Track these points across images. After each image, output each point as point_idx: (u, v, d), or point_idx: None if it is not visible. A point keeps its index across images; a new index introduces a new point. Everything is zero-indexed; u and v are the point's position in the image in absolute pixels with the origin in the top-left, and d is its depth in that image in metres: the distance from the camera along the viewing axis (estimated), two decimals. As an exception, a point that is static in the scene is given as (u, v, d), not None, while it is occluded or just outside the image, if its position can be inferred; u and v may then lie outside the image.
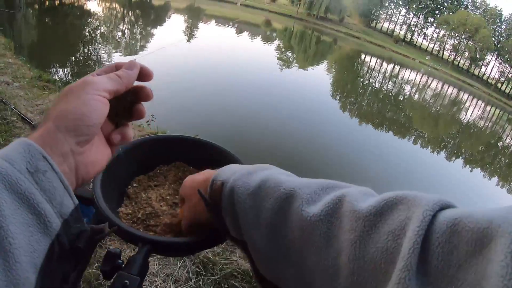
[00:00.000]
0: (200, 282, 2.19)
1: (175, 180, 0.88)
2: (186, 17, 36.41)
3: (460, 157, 14.09)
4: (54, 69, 8.72)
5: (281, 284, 0.49)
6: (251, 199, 0.50)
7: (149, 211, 0.77)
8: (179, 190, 0.67)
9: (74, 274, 0.45)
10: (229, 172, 0.57)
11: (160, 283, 2.13)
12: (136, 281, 0.52)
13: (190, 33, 24.29)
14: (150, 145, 0.90)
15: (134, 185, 0.85)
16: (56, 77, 7.52)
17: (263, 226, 0.48)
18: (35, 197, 0.39)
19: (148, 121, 5.34)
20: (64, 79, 8.12)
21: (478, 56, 74.52)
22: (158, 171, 0.91)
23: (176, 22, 29.78)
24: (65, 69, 9.19)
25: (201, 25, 33.46)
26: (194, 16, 39.64)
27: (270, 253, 0.48)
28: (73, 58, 10.78)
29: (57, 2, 21.23)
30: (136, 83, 0.56)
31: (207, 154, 0.89)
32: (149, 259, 0.62)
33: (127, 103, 0.57)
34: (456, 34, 76.03)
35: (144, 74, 0.56)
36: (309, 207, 0.45)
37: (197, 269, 2.26)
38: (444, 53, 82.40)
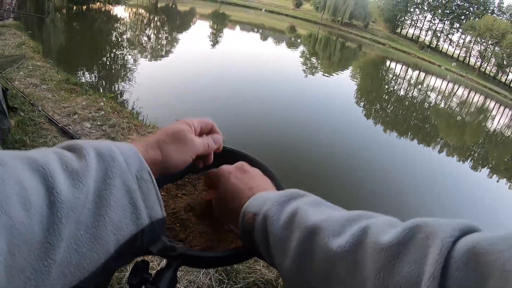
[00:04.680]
0: (223, 290, 2.15)
1: (204, 190, 0.86)
2: (211, 22, 36.72)
3: (486, 167, 13.78)
4: (81, 72, 8.87)
5: None
6: (281, 230, 0.53)
7: (177, 221, 0.75)
8: (208, 180, 0.76)
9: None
10: (259, 202, 0.60)
11: (182, 290, 2.10)
12: None
13: (215, 39, 24.47)
14: None
15: (161, 193, 0.83)
16: (83, 80, 7.63)
17: (291, 256, 0.50)
18: (135, 193, 0.49)
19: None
20: (91, 82, 8.26)
21: (505, 62, 73.04)
22: (186, 179, 0.89)
23: (201, 28, 30.08)
24: (92, 73, 9.34)
25: (226, 31, 33.72)
26: (219, 22, 39.97)
27: (298, 283, 0.50)
28: (100, 62, 10.95)
29: (84, 7, 21.67)
30: None
31: (236, 162, 0.87)
32: None
33: None
34: (483, 40, 74.75)
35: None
36: (334, 239, 0.46)
37: (220, 277, 2.24)
38: (471, 59, 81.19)
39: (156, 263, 2.19)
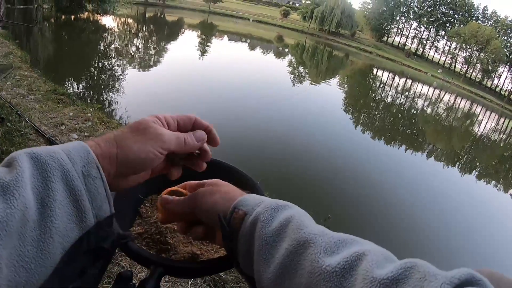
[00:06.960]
0: (211, 301, 2.13)
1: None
2: (199, 32, 36.71)
3: (474, 170, 13.92)
4: (69, 82, 8.81)
5: None
6: (271, 235, 0.51)
7: (160, 231, 0.75)
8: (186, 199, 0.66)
9: (95, 272, 0.50)
10: (252, 203, 0.57)
11: (171, 301, 2.08)
12: None
13: (203, 49, 24.48)
14: None
15: (146, 204, 0.83)
16: (71, 91, 7.60)
17: (275, 264, 0.48)
18: (81, 195, 0.46)
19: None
20: (79, 92, 8.22)
21: (490, 68, 73.82)
22: None
23: (189, 38, 30.06)
24: (80, 83, 9.29)
25: (214, 40, 33.74)
26: (207, 32, 39.98)
27: None
28: (88, 72, 10.90)
29: (73, 17, 21.59)
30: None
31: (221, 174, 0.87)
32: None
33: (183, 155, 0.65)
34: (468, 47, 75.39)
35: (212, 139, 0.64)
36: (325, 257, 0.44)
37: (208, 287, 2.22)
38: (456, 66, 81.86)
39: (138, 274, 2.17)
